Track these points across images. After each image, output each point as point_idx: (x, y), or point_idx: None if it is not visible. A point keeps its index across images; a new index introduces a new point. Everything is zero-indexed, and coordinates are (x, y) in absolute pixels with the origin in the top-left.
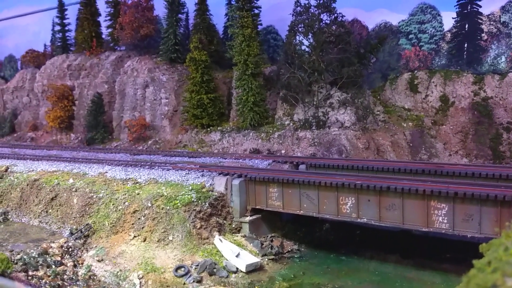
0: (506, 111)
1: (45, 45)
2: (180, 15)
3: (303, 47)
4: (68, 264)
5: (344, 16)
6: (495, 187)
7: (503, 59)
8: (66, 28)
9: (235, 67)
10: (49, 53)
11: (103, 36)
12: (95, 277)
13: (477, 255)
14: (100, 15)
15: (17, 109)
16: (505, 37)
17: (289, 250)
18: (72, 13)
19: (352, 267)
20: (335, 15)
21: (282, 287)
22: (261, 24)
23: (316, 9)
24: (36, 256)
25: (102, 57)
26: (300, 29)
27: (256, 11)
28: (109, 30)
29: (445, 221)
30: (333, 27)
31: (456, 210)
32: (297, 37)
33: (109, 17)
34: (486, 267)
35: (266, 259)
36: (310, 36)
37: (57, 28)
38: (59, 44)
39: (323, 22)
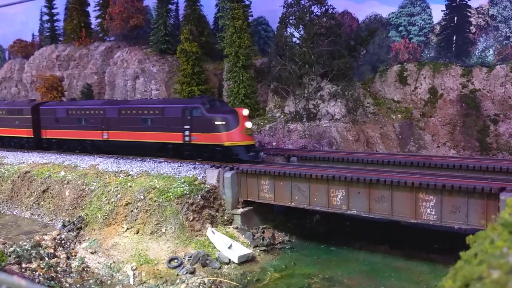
0: (494, 103)
1: (33, 35)
2: (170, 6)
3: (294, 39)
4: (61, 256)
5: (335, 8)
6: (482, 179)
7: (491, 51)
8: (55, 18)
9: (226, 59)
10: (37, 43)
11: (92, 27)
12: (88, 269)
13: (464, 246)
14: (89, 5)
15: (6, 99)
16: (493, 30)
17: (280, 241)
18: (60, 3)
19: (342, 258)
20: (326, 7)
21: (273, 278)
22: (251, 15)
23: (307, 1)
24: (29, 248)
25: (91, 48)
26: (291, 21)
27: (247, 2)
28: (98, 20)
29: (433, 213)
30: (324, 19)
31: (443, 202)
32: (288, 29)
33: (98, 7)
34: (472, 259)
35: (258, 250)
36: (301, 28)
37: (45, 18)
38: (47, 34)
39: (314, 14)
